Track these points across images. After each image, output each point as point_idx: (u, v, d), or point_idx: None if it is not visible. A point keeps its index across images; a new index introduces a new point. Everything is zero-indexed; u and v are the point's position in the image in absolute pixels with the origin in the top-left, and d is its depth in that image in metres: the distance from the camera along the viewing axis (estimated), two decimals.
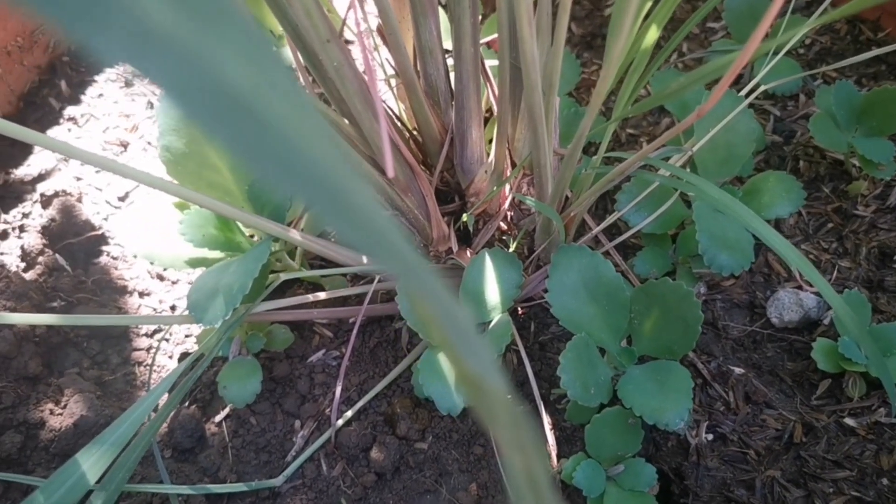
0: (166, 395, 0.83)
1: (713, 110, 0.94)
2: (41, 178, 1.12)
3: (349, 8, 0.74)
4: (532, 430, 0.26)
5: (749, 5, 1.08)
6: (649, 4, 0.63)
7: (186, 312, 0.81)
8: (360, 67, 0.79)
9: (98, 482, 0.66)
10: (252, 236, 0.95)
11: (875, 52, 0.98)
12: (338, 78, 0.74)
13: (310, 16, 0.69)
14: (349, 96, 0.76)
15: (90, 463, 0.65)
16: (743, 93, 0.99)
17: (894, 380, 0.83)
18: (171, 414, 0.92)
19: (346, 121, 0.83)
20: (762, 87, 1.01)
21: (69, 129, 1.19)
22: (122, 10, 0.14)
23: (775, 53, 1.02)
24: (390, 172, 0.53)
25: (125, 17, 0.14)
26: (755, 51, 0.55)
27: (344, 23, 0.77)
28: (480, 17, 1.16)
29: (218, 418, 0.93)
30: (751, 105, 1.13)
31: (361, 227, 0.19)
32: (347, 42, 1.22)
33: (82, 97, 1.23)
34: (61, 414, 0.89)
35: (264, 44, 0.18)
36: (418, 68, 0.87)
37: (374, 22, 1.20)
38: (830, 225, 1.00)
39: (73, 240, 1.05)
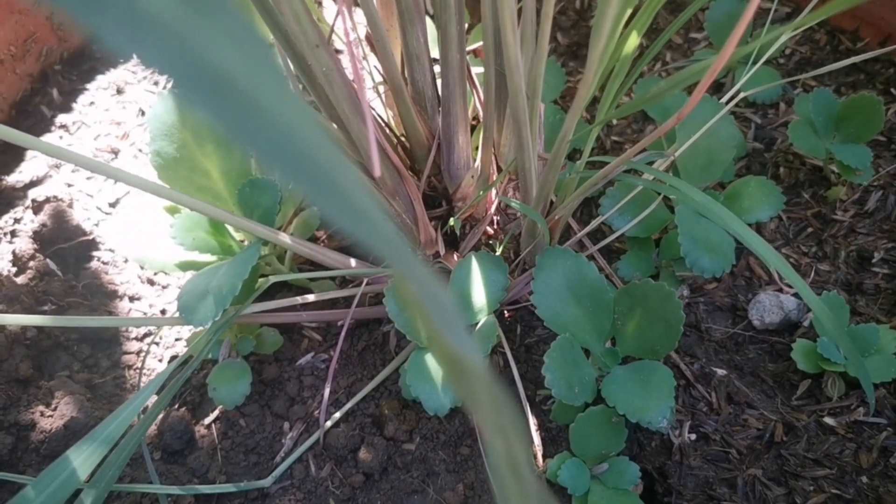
0: (155, 395, 0.84)
1: (694, 117, 0.96)
2: (33, 184, 1.13)
3: (337, 15, 0.75)
4: (513, 412, 0.27)
5: (729, 16, 1.11)
6: (629, 12, 0.65)
7: (177, 315, 0.82)
8: (349, 74, 0.81)
9: (87, 480, 0.67)
10: (242, 240, 0.96)
11: (852, 59, 1.00)
12: (327, 83, 0.76)
13: (299, 21, 0.70)
14: (338, 101, 0.78)
15: (80, 460, 0.66)
16: (724, 100, 1.02)
17: (872, 379, 0.85)
18: (161, 416, 0.93)
19: (335, 125, 0.84)
20: (742, 95, 1.03)
21: (61, 137, 1.20)
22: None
23: (755, 62, 1.04)
24: (376, 172, 0.55)
25: (129, 5, 0.16)
26: (731, 57, 0.57)
27: (332, 30, 0.78)
28: (466, 27, 1.18)
29: (207, 420, 0.94)
30: (732, 113, 1.15)
31: (348, 207, 0.20)
32: (337, 51, 1.23)
33: (74, 105, 1.24)
34: (51, 416, 0.90)
35: (256, 35, 0.19)
36: (406, 75, 0.89)
37: (363, 30, 1.21)
38: (810, 229, 1.02)
39: (65, 245, 1.06)
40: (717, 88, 1.18)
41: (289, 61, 0.80)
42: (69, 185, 1.14)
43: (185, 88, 0.16)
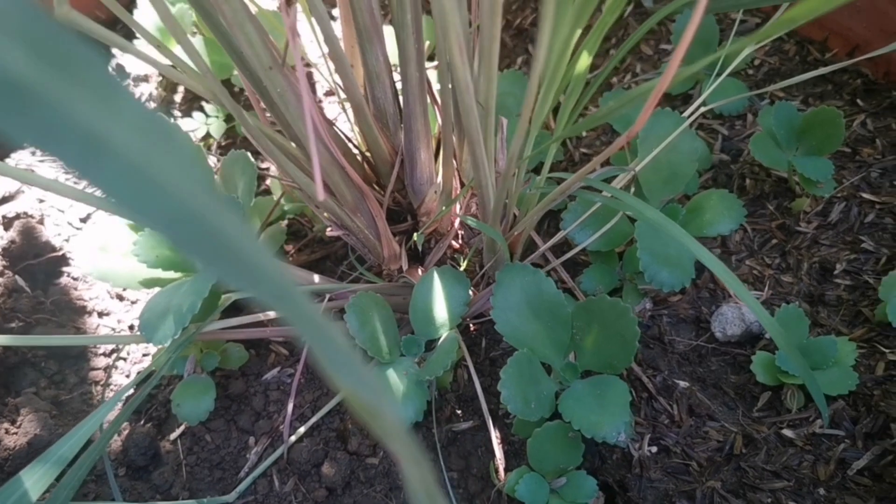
0: (117, 411, 0.85)
1: (656, 130, 0.97)
2: (4, 200, 1.14)
3: (287, 40, 0.76)
4: (421, 446, 0.28)
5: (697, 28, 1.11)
6: (579, 32, 0.66)
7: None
8: (319, 90, 0.81)
9: (42, 499, 0.67)
10: None
11: (820, 71, 1.01)
12: (282, 103, 0.76)
13: (251, 44, 0.71)
14: (294, 121, 0.78)
15: (34, 480, 0.66)
16: (688, 112, 1.02)
17: (828, 391, 0.86)
18: (126, 432, 0.94)
19: (294, 144, 0.85)
20: (708, 107, 1.04)
21: (33, 153, 1.20)
22: None
23: (721, 73, 1.05)
24: (320, 195, 0.55)
25: None
26: (691, 70, 0.58)
27: (286, 51, 0.79)
28: (429, 42, 1.19)
29: (173, 436, 0.94)
30: (700, 124, 1.16)
31: (233, 263, 0.20)
32: (308, 65, 1.24)
33: None
34: (16, 433, 0.90)
35: (122, 88, 0.20)
36: (367, 92, 0.90)
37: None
38: (774, 241, 1.03)
39: (34, 261, 1.06)
40: (685, 100, 1.18)
41: (246, 81, 0.81)
42: (41, 201, 1.14)
43: (54, 153, 0.17)
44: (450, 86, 0.82)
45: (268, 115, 1.01)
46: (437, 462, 0.90)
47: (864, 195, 1.04)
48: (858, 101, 1.14)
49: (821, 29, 1.23)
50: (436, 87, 0.98)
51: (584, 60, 0.73)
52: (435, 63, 1.07)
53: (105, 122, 0.18)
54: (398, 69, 0.89)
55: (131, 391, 0.82)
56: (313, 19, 1.10)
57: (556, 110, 1.15)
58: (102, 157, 0.18)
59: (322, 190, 0.57)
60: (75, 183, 1.16)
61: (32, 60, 0.17)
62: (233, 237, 0.20)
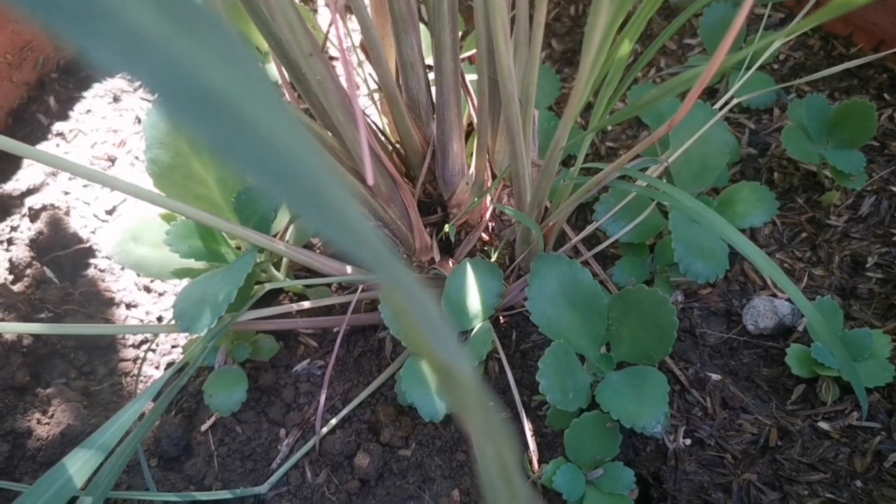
0: (152, 402, 0.85)
1: (688, 123, 0.97)
2: (29, 192, 1.13)
3: (330, 24, 0.76)
4: (502, 419, 0.28)
5: (723, 22, 1.11)
6: (621, 20, 0.66)
7: (173, 322, 0.82)
8: (344, 81, 0.81)
9: (83, 487, 0.67)
10: (238, 247, 0.97)
11: (846, 65, 1.00)
12: (320, 91, 0.76)
13: (293, 30, 0.71)
14: (332, 109, 0.78)
15: (76, 467, 0.66)
16: (717, 106, 1.02)
17: (864, 384, 0.86)
18: (158, 423, 0.93)
19: (330, 133, 0.85)
20: (736, 100, 1.03)
21: (57, 145, 1.20)
22: (112, 17, 0.16)
23: (749, 68, 1.04)
24: (370, 180, 0.55)
25: (115, 23, 0.16)
26: (723, 63, 0.58)
27: (326, 38, 0.79)
28: (461, 34, 1.19)
29: (204, 427, 0.94)
30: (726, 118, 1.16)
31: (339, 224, 0.20)
32: (332, 58, 1.24)
33: (70, 113, 1.25)
34: (48, 423, 0.90)
35: (244, 50, 0.20)
36: (400, 82, 0.90)
37: (358, 38, 1.22)
38: (804, 234, 1.03)
39: (61, 252, 1.06)
40: (711, 94, 1.18)
41: (283, 69, 0.80)
42: (66, 193, 1.14)
43: (170, 104, 0.17)
44: (486, 76, 0.82)
45: (301, 105, 1.01)
46: (472, 453, 0.90)
47: (895, 189, 1.03)
48: (885, 95, 1.14)
49: (846, 24, 1.23)
50: (468, 78, 0.98)
51: (625, 49, 0.73)
52: (466, 54, 1.07)
53: (221, 77, 0.18)
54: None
55: (164, 382, 0.82)
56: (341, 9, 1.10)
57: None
58: (240, 130, 0.18)
59: (371, 174, 0.57)
60: (105, 169, 1.15)
61: (164, 20, 0.17)
62: (336, 199, 0.20)
